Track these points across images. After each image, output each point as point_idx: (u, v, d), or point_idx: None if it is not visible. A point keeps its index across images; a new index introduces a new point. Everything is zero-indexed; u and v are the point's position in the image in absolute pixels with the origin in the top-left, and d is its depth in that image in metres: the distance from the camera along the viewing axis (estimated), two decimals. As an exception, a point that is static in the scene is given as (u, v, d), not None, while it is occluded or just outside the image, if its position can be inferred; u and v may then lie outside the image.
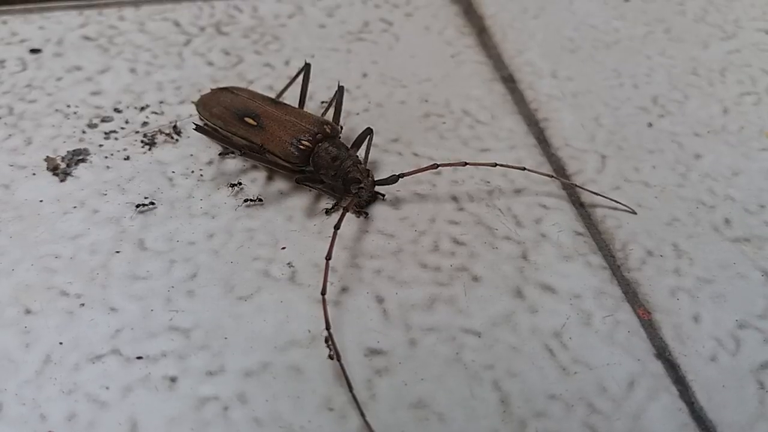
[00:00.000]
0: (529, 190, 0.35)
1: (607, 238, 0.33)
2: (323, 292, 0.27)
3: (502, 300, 0.30)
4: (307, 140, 0.33)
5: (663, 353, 0.29)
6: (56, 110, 0.37)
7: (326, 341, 0.27)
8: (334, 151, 0.33)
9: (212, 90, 0.37)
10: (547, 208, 0.34)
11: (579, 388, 0.27)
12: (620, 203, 0.34)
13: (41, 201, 0.33)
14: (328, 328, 0.27)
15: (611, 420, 0.26)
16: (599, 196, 0.34)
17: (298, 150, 0.33)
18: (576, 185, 0.35)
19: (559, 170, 0.36)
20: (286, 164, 0.33)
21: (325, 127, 0.34)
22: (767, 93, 0.42)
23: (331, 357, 0.27)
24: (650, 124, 0.39)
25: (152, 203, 0.32)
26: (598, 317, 0.29)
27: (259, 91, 0.38)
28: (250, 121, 0.34)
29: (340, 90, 0.35)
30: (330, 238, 0.29)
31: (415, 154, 0.36)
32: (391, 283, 0.30)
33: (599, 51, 0.44)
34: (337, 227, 0.29)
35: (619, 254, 0.32)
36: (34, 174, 0.34)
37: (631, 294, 0.31)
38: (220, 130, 0.35)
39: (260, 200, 0.33)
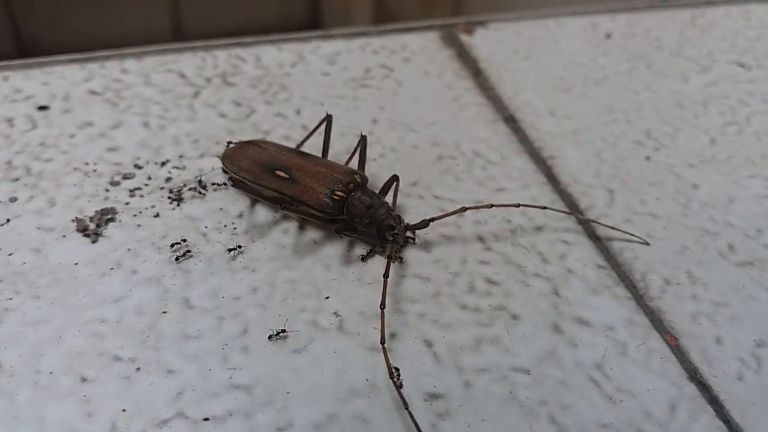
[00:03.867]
0: (549, 226, 0.37)
1: (627, 270, 0.35)
2: (382, 342, 0.28)
3: (543, 336, 0.31)
4: (341, 190, 0.34)
5: (695, 376, 0.31)
6: (75, 168, 0.37)
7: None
8: (367, 200, 0.34)
9: (238, 144, 0.37)
10: (569, 243, 0.36)
11: (626, 415, 0.29)
12: (634, 235, 0.36)
13: (76, 264, 0.33)
14: (392, 377, 0.28)
15: (661, 445, 0.28)
16: (614, 230, 0.36)
17: (332, 200, 0.34)
18: (593, 220, 0.37)
19: (572, 206, 0.38)
20: (320, 214, 0.34)
21: (355, 176, 0.35)
22: (747, 122, 0.45)
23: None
24: (648, 158, 0.42)
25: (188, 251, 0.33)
26: (632, 346, 0.31)
27: (276, 141, 0.39)
28: (282, 174, 0.35)
29: (363, 139, 0.37)
30: (381, 287, 0.30)
31: (436, 197, 0.38)
32: (435, 326, 0.31)
33: (590, 88, 0.47)
34: (386, 276, 0.30)
35: (640, 284, 0.34)
36: (64, 236, 0.34)
37: (657, 322, 0.33)
38: (248, 182, 0.36)
39: (239, 247, 0.34)
